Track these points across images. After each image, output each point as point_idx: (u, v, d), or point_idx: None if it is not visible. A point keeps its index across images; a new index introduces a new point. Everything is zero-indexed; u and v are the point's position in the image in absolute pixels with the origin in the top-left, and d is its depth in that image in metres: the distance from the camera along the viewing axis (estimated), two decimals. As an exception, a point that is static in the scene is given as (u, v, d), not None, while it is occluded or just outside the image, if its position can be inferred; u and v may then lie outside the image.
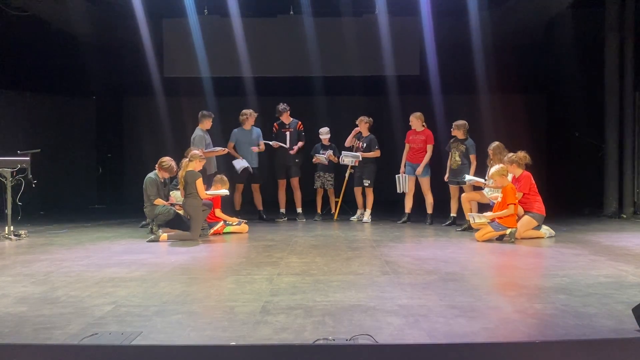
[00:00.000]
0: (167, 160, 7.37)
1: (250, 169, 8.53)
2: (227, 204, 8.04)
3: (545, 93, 11.99)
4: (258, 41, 10.73)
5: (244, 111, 8.74)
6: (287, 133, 8.87)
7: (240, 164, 8.50)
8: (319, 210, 9.04)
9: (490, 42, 10.15)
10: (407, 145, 8.46)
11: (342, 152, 8.76)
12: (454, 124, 8.11)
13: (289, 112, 8.86)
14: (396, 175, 8.46)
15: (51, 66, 10.42)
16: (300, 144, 8.88)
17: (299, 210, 9.00)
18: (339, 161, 8.79)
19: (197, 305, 3.91)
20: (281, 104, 8.86)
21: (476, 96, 10.71)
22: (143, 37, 9.99)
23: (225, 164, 8.72)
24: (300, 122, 8.97)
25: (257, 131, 8.82)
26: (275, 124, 8.98)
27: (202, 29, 10.34)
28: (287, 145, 8.78)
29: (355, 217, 8.85)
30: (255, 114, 8.74)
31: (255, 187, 8.80)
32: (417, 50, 10.87)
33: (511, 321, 3.47)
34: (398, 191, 8.48)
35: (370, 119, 8.75)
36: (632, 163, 9.21)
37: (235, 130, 8.78)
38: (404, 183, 8.40)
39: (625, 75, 9.06)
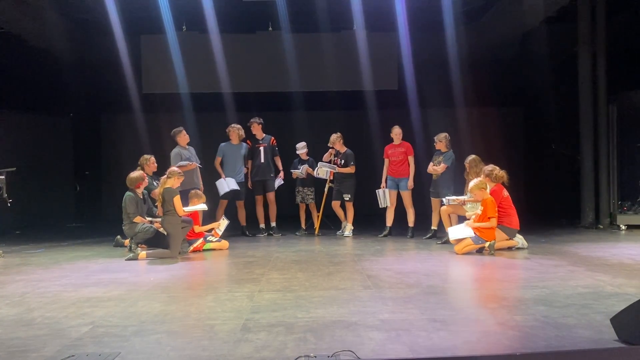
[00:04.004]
0: (134, 172, 7.31)
1: (237, 187, 8.46)
2: (207, 219, 7.98)
3: (522, 106, 12.18)
4: (237, 57, 10.74)
5: (235, 125, 8.64)
6: (261, 148, 8.80)
7: (224, 186, 8.38)
8: (302, 226, 9.03)
9: (466, 57, 10.30)
10: (386, 160, 8.50)
11: (319, 163, 8.77)
12: (435, 137, 8.17)
13: (261, 126, 8.81)
14: (377, 191, 8.47)
15: (27, 83, 10.29)
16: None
17: (273, 224, 8.94)
18: (314, 174, 8.80)
19: (176, 324, 3.86)
20: (256, 117, 8.85)
21: (453, 110, 10.84)
22: (121, 53, 9.89)
23: (210, 182, 8.62)
24: (273, 138, 8.93)
25: (245, 146, 8.78)
26: (247, 140, 8.90)
27: (181, 45, 10.31)
28: (263, 161, 8.73)
29: (340, 231, 8.84)
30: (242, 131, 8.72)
31: (240, 204, 8.75)
32: (394, 65, 10.98)
33: (492, 334, 3.48)
34: (380, 206, 8.50)
35: (339, 133, 8.78)
36: (607, 174, 9.37)
37: (223, 144, 8.70)
38: (385, 197, 8.42)
39: (598, 87, 9.23)
